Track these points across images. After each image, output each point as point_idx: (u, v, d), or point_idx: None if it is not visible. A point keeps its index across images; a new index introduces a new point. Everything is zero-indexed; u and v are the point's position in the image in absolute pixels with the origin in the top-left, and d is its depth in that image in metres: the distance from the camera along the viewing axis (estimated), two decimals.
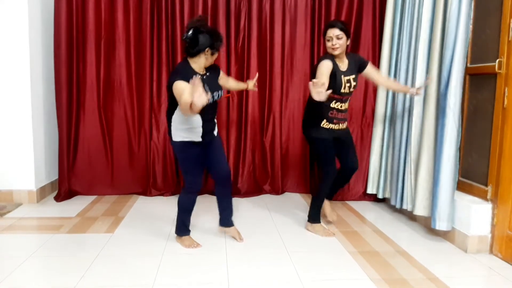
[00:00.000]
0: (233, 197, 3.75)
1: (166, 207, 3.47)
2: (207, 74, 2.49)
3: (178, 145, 2.50)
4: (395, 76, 3.34)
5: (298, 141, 3.92)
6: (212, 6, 3.67)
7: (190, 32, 2.34)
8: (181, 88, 2.19)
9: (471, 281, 2.27)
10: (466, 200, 2.69)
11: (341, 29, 2.60)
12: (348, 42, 2.67)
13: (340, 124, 2.81)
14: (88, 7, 3.57)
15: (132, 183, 3.81)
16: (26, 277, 2.18)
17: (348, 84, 2.70)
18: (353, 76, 2.73)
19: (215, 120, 2.66)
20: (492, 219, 2.59)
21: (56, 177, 3.74)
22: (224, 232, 2.83)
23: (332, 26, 2.62)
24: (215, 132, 2.64)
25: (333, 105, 2.73)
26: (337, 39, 2.59)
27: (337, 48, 2.60)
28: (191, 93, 1.96)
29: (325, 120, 2.75)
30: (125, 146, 3.77)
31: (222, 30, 3.69)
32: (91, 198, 3.68)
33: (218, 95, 2.50)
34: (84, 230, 2.88)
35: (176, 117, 2.49)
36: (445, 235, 2.83)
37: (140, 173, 3.81)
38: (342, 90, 2.69)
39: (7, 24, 3.30)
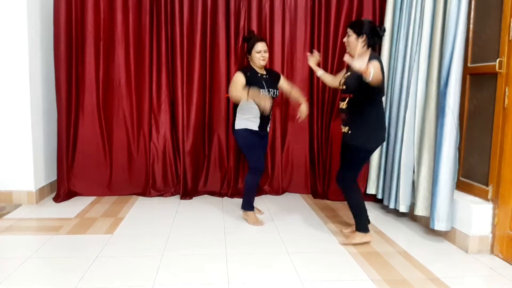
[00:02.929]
0: (234, 197, 3.78)
1: (166, 207, 3.46)
2: (267, 76, 3.06)
3: (239, 132, 3.01)
4: (394, 76, 3.34)
5: (298, 141, 3.92)
6: (211, 6, 3.67)
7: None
8: (236, 79, 2.94)
9: (472, 281, 2.26)
10: (467, 200, 2.69)
11: (349, 27, 2.64)
12: (363, 39, 2.57)
13: (342, 126, 2.72)
14: (87, 7, 3.57)
15: (132, 184, 3.80)
16: (26, 278, 2.18)
17: (341, 81, 2.74)
18: (346, 75, 2.73)
19: (270, 117, 3.09)
20: (493, 219, 2.58)
21: (55, 177, 3.73)
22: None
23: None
24: (268, 128, 3.13)
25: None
26: (346, 37, 2.66)
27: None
28: (240, 90, 2.87)
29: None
30: (125, 147, 3.76)
31: (221, 30, 3.69)
32: (91, 199, 3.67)
33: (274, 93, 3.03)
34: (84, 231, 2.88)
35: (239, 108, 3.03)
36: (445, 235, 2.82)
37: (140, 174, 3.80)
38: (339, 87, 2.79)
39: (6, 24, 3.29)
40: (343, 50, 3.69)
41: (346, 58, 2.26)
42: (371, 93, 2.50)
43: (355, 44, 2.58)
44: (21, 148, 3.41)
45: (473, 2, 2.78)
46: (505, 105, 2.49)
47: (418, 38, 3.02)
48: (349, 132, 2.61)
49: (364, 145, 2.61)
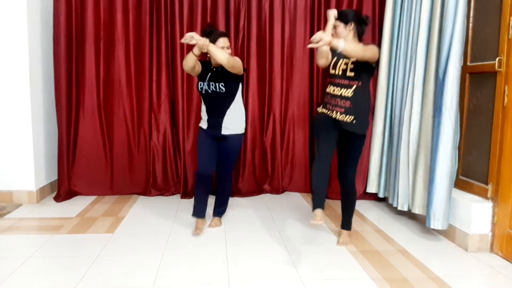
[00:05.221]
0: (234, 197, 3.78)
1: (166, 207, 3.46)
2: (218, 69, 2.72)
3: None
4: (394, 74, 3.34)
5: (298, 141, 3.92)
6: (211, 6, 3.67)
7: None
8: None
9: (471, 279, 2.27)
10: (466, 199, 2.69)
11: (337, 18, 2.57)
12: (351, 27, 2.53)
13: (336, 112, 2.50)
14: (87, 7, 3.57)
15: (132, 183, 3.80)
16: (27, 278, 2.18)
17: (341, 67, 2.52)
18: (349, 61, 2.49)
19: (224, 118, 2.77)
20: (493, 217, 2.59)
21: (56, 177, 3.74)
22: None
23: None
24: (225, 130, 2.77)
25: (328, 89, 2.60)
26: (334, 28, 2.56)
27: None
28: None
29: (321, 105, 2.64)
30: (125, 146, 3.77)
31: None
32: (91, 198, 3.67)
33: (216, 87, 2.72)
34: (84, 231, 2.88)
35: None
36: (445, 234, 2.83)
37: (140, 173, 3.81)
38: (332, 71, 2.56)
39: (6, 24, 3.30)
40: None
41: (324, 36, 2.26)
42: (370, 79, 2.60)
43: (345, 33, 2.52)
44: (22, 148, 3.41)
45: (472, 1, 2.79)
46: (505, 104, 2.49)
47: (417, 37, 3.02)
48: (354, 121, 2.47)
49: (366, 132, 2.62)
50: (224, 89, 2.70)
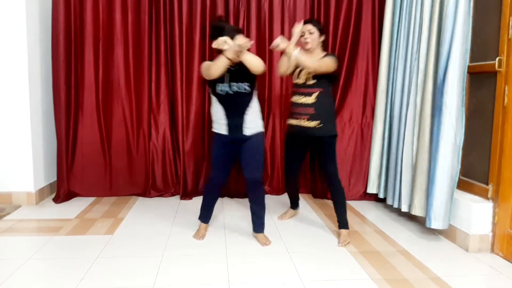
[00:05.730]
0: (233, 197, 3.77)
1: (166, 208, 3.46)
2: (235, 67, 2.56)
3: (213, 136, 2.71)
4: (394, 74, 3.34)
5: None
6: (210, 6, 3.66)
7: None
8: (205, 65, 2.61)
9: (472, 280, 2.26)
10: (467, 199, 2.69)
11: (314, 25, 2.75)
12: (322, 38, 2.79)
13: (302, 120, 2.71)
14: (86, 7, 3.56)
15: (131, 184, 3.79)
16: (26, 280, 2.17)
17: (303, 76, 2.73)
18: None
19: (245, 117, 2.61)
20: (493, 217, 2.58)
21: (55, 178, 3.73)
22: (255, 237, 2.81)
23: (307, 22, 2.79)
24: (246, 129, 2.62)
25: (292, 98, 2.81)
26: (309, 34, 2.72)
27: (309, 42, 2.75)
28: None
29: (289, 117, 2.87)
30: (124, 147, 3.76)
31: None
32: (90, 199, 3.66)
33: (239, 87, 2.57)
34: (84, 232, 2.87)
35: (211, 109, 2.73)
36: (446, 234, 2.82)
37: (139, 174, 3.80)
38: (296, 80, 2.77)
39: (4, 25, 3.29)
40: (343, 49, 3.70)
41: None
42: (331, 86, 2.76)
43: (317, 42, 2.75)
44: (21, 149, 3.40)
45: (472, 1, 2.78)
46: (505, 104, 2.49)
47: (417, 37, 3.02)
48: (321, 125, 2.69)
49: (335, 132, 2.79)
50: (249, 88, 2.57)
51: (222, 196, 3.81)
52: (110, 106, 3.71)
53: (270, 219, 3.21)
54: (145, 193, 3.78)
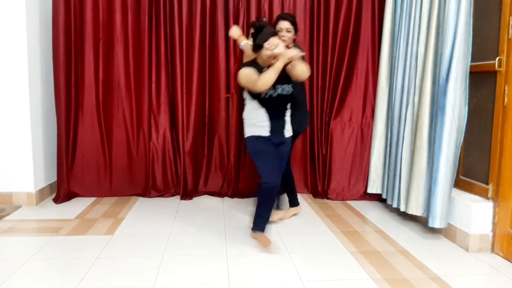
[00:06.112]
0: (233, 197, 3.77)
1: (166, 208, 3.46)
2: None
3: (248, 140, 2.65)
4: (396, 75, 3.33)
5: (298, 142, 3.91)
6: (210, 6, 3.66)
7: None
8: (248, 73, 2.46)
9: (472, 280, 2.26)
10: (467, 199, 2.69)
11: (292, 23, 2.83)
12: (295, 36, 2.91)
13: None
14: (86, 8, 3.56)
15: (132, 185, 3.79)
16: (26, 280, 2.17)
17: None
18: None
19: (285, 119, 2.66)
20: (493, 217, 2.58)
21: (55, 179, 3.73)
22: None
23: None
24: (287, 132, 2.68)
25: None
26: (287, 32, 2.81)
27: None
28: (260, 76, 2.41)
29: None
30: (124, 147, 3.76)
31: (220, 30, 3.68)
32: (90, 200, 3.66)
33: (283, 89, 2.55)
34: (84, 232, 2.87)
35: (245, 112, 2.71)
36: (446, 234, 2.82)
37: (140, 175, 3.80)
38: None
39: (5, 25, 3.29)
40: (343, 49, 3.70)
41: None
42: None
43: (291, 41, 2.84)
44: (21, 149, 3.40)
45: (472, 1, 2.78)
46: (505, 104, 2.48)
47: (417, 36, 3.02)
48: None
49: (299, 129, 2.92)
50: (291, 89, 2.58)
51: (222, 196, 3.81)
52: (110, 107, 3.72)
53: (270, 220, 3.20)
54: (145, 193, 3.78)
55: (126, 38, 3.65)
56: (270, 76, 2.35)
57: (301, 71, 2.40)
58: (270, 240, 2.61)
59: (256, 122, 2.59)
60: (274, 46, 2.36)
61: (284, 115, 2.64)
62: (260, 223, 2.67)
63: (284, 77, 2.48)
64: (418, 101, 2.97)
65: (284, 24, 2.81)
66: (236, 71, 3.75)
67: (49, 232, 2.85)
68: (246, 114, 2.66)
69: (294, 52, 2.37)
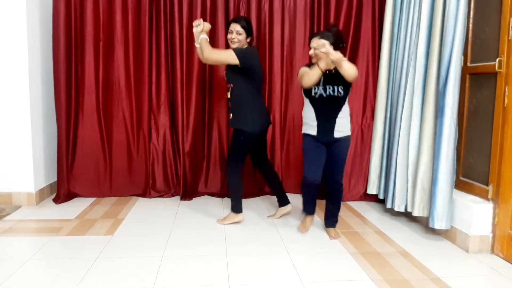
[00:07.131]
0: None
1: (166, 208, 3.46)
2: (331, 71, 2.60)
3: (303, 137, 2.78)
4: (394, 76, 3.34)
5: (298, 142, 3.91)
6: (210, 7, 3.66)
7: None
8: (303, 71, 2.62)
9: (472, 281, 2.26)
10: (467, 200, 2.68)
11: (243, 27, 2.85)
12: (249, 39, 2.92)
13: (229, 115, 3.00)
14: (86, 8, 3.56)
15: (132, 185, 3.80)
16: (26, 280, 2.17)
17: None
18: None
19: (336, 121, 2.65)
20: (493, 218, 2.58)
21: (55, 179, 3.73)
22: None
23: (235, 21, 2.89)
24: (337, 132, 2.67)
25: None
26: (237, 34, 2.85)
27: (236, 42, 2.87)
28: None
29: None
30: (124, 148, 3.76)
31: (220, 31, 3.68)
32: (90, 200, 3.67)
33: (333, 90, 2.59)
34: (84, 232, 2.87)
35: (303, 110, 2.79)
36: (446, 235, 2.82)
37: (140, 175, 3.80)
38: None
39: (5, 25, 3.29)
40: (343, 49, 3.70)
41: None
42: (248, 80, 2.82)
43: (244, 42, 2.89)
44: (21, 150, 3.41)
45: (472, 2, 2.78)
46: (505, 105, 2.49)
47: (416, 37, 3.02)
48: (232, 118, 2.91)
49: (240, 126, 2.87)
50: (342, 92, 2.59)
51: (222, 197, 3.81)
52: (111, 107, 3.72)
53: (270, 220, 3.21)
54: (145, 194, 3.78)
55: (126, 38, 3.65)
56: (311, 74, 2.48)
57: (346, 70, 2.39)
58: (308, 226, 2.95)
59: (307, 120, 2.72)
60: (317, 46, 2.42)
61: (334, 117, 2.63)
62: (305, 208, 2.97)
63: (335, 77, 2.54)
64: (421, 102, 2.97)
65: (235, 27, 2.85)
66: None
67: (49, 232, 2.86)
68: (303, 112, 2.80)
69: (337, 55, 2.36)
